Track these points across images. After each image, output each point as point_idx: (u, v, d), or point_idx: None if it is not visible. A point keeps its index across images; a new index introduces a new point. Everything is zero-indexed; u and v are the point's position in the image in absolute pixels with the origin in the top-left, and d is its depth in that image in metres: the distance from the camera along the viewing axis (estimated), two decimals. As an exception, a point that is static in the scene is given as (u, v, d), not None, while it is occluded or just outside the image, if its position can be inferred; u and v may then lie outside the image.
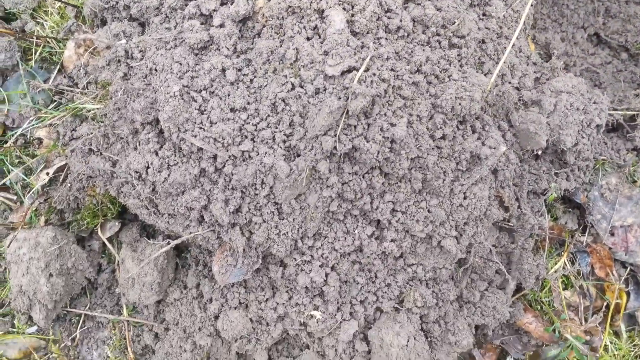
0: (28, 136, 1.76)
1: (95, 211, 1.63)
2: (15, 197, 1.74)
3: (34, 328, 1.70)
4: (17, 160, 1.75)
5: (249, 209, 1.40)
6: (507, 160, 1.62)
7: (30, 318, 1.69)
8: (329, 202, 1.41)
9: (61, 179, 1.70)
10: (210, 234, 1.44)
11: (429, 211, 1.47)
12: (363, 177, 1.40)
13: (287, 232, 1.42)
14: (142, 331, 1.72)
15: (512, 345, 1.80)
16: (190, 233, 1.44)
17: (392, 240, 1.49)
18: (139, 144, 1.42)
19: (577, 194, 1.84)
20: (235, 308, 1.58)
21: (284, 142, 1.35)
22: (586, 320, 1.75)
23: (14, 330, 1.71)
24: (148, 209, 1.46)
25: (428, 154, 1.41)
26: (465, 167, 1.50)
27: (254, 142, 1.36)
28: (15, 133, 1.75)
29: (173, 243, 1.45)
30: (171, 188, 1.37)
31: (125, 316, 1.70)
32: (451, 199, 1.49)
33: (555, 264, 1.82)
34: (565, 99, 1.74)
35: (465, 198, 1.51)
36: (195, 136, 1.35)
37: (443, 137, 1.45)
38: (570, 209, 1.88)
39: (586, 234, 1.87)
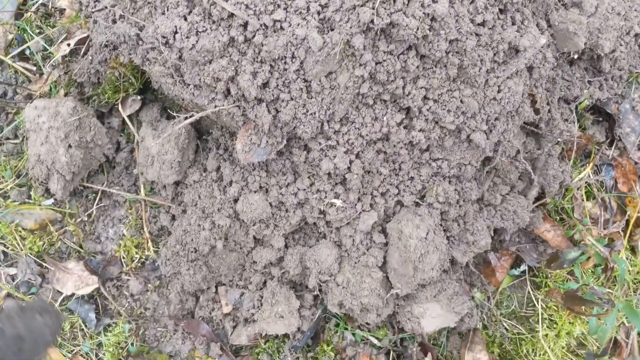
0: (49, 6, 1.69)
1: (117, 85, 1.58)
2: (35, 68, 1.69)
3: (51, 201, 1.69)
4: (37, 31, 1.69)
5: (277, 85, 1.35)
6: (544, 58, 1.56)
7: (47, 190, 1.68)
8: (360, 83, 1.36)
9: (82, 52, 1.65)
10: (236, 109, 1.40)
11: (461, 101, 1.43)
12: (398, 57, 1.34)
13: (315, 113, 1.38)
14: (158, 212, 1.71)
15: (528, 253, 1.79)
16: (216, 107, 1.39)
17: (420, 130, 1.45)
18: (168, 8, 1.36)
19: (608, 105, 1.79)
20: (255, 192, 1.56)
21: (319, 13, 1.29)
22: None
23: (30, 201, 1.70)
24: (173, 78, 1.41)
25: (467, 39, 1.35)
26: (502, 59, 1.44)
27: (287, 11, 1.30)
28: (37, 2, 1.68)
29: (197, 115, 1.41)
30: (199, 56, 1.32)
31: (142, 195, 1.69)
32: (485, 91, 1.44)
33: (579, 173, 1.79)
34: (607, 2, 1.67)
35: (499, 91, 1.46)
36: (227, 0, 1.29)
37: (483, 24, 1.39)
38: (599, 120, 1.83)
39: (613, 147, 1.83)
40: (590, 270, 1.81)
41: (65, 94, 1.65)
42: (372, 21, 1.26)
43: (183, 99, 1.43)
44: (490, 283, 1.80)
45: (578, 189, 1.76)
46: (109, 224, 1.73)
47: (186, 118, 1.41)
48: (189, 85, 1.41)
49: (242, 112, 1.41)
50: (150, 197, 1.69)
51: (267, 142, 1.44)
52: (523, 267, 1.81)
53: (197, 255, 1.59)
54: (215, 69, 1.33)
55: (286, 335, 1.72)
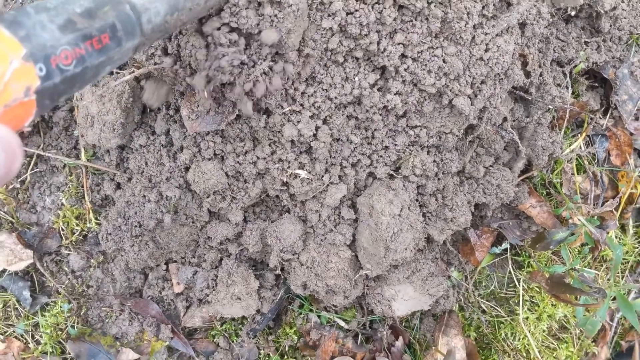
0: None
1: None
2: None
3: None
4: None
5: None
6: (539, 13, 1.38)
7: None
8: (329, 37, 1.17)
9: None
10: (180, 69, 1.20)
11: (444, 61, 1.24)
12: (372, 7, 1.15)
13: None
14: (102, 180, 1.52)
15: (511, 230, 1.64)
16: (155, 64, 1.19)
17: (397, 93, 1.27)
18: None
19: (605, 69, 1.62)
20: (209, 159, 1.37)
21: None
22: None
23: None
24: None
25: (453, -13, 1.16)
26: (492, 13, 1.26)
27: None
28: None
29: (137, 72, 1.21)
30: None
31: (83, 160, 1.49)
32: (471, 49, 1.26)
33: (570, 145, 1.63)
34: (611, -48, 1.49)
35: (487, 50, 1.28)
36: None
37: (471, -29, 1.20)
38: (594, 86, 1.66)
39: (607, 116, 1.67)
40: (576, 250, 1.67)
41: None
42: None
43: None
44: (469, 262, 1.66)
45: (569, 161, 1.60)
46: (46, 192, 1.54)
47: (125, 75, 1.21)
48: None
49: (185, 73, 1.20)
50: (92, 163, 1.49)
51: (215, 110, 1.25)
52: (505, 245, 1.66)
53: (142, 230, 1.41)
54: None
55: (244, 317, 1.56)
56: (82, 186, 1.51)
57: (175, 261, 1.53)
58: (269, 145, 1.34)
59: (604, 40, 1.59)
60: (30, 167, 1.52)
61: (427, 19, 1.19)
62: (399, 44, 1.20)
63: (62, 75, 0.58)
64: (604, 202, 1.65)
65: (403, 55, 1.23)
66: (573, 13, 1.49)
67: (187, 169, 1.40)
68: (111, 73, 1.45)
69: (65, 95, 0.61)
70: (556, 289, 1.32)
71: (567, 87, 1.57)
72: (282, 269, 1.50)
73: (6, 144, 0.45)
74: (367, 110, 1.28)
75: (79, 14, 0.62)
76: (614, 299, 1.27)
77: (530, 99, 1.50)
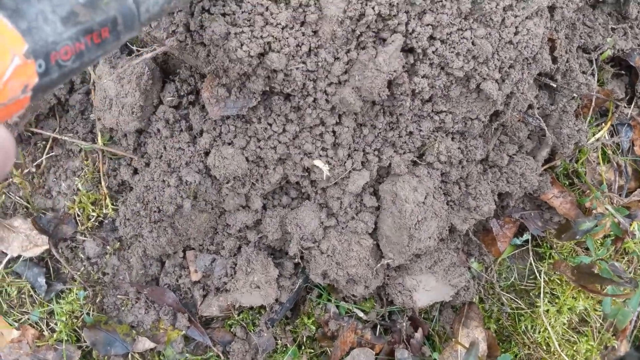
0: None
1: (68, 14, 1.34)
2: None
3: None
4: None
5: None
6: (569, -3, 1.35)
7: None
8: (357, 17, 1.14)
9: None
10: (201, 47, 1.17)
11: (473, 43, 1.21)
12: (402, -14, 1.12)
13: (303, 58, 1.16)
14: (119, 165, 1.49)
15: (532, 221, 1.62)
16: (177, 40, 1.16)
17: (424, 76, 1.24)
18: None
19: (632, 56, 1.59)
20: (229, 144, 1.34)
21: None
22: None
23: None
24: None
25: (485, -34, 1.13)
26: (522, -5, 1.23)
27: None
28: None
29: (158, 51, 1.18)
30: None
31: (100, 144, 1.46)
32: (500, 32, 1.23)
33: (593, 135, 1.60)
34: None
35: (516, 33, 1.24)
36: None
37: (503, -50, 1.17)
38: (620, 73, 1.63)
39: (632, 105, 1.64)
40: (599, 241, 1.64)
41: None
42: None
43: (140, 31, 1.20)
44: (490, 252, 1.63)
45: (594, 150, 1.57)
46: (62, 177, 1.51)
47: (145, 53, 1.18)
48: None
49: (208, 52, 1.17)
50: (109, 147, 1.46)
51: (237, 95, 1.23)
52: (526, 236, 1.63)
53: (161, 215, 1.38)
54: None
55: (262, 307, 1.53)
56: (99, 171, 1.48)
57: (193, 248, 1.51)
58: (292, 130, 1.31)
59: (631, 26, 1.56)
60: (46, 151, 1.49)
61: (457, -1, 1.16)
62: (428, 24, 1.17)
63: (60, 71, 0.55)
64: (628, 192, 1.62)
65: (432, 37, 1.20)
66: (601, -2, 1.46)
67: (207, 153, 1.37)
68: (129, 53, 1.42)
69: (56, 87, 0.57)
70: (584, 279, 1.29)
71: (592, 75, 1.53)
72: (302, 257, 1.47)
73: (2, 145, 0.44)
74: (394, 96, 1.25)
75: (81, 5, 0.58)
76: (644, 289, 1.24)
77: (555, 85, 1.47)
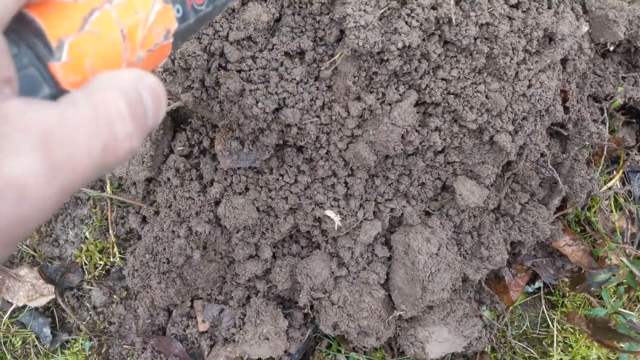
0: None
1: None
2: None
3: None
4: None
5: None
6: (580, 49, 1.35)
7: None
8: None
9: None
10: (215, 102, 1.17)
11: (487, 97, 1.21)
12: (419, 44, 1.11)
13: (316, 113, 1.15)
14: (127, 213, 1.47)
15: (544, 269, 1.59)
16: (193, 96, 1.16)
17: (436, 129, 1.23)
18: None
19: (642, 104, 1.59)
20: (240, 194, 1.33)
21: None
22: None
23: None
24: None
25: (500, 22, 1.13)
26: (535, 49, 1.23)
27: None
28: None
29: (173, 105, 1.18)
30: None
31: (108, 193, 1.45)
32: (514, 85, 1.22)
33: (605, 183, 1.59)
34: (650, -12, 1.46)
35: (529, 86, 1.24)
36: None
37: (517, 6, 1.17)
38: (630, 121, 1.63)
39: (643, 152, 1.63)
40: (611, 290, 1.62)
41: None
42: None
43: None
44: (502, 300, 1.60)
45: (606, 199, 1.56)
46: (69, 225, 1.49)
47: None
48: (160, 69, 1.17)
49: (222, 107, 1.17)
50: (117, 196, 1.45)
51: (250, 148, 1.22)
52: (538, 284, 1.61)
53: (170, 266, 1.36)
54: (190, 50, 1.09)
55: (271, 358, 1.50)
56: (107, 219, 1.47)
57: (201, 298, 1.48)
58: (303, 181, 1.30)
59: (641, 75, 1.56)
60: (54, 199, 1.48)
61: (471, 54, 1.15)
62: (441, 79, 1.17)
63: (196, 15, 0.55)
64: (640, 241, 1.60)
65: (446, 91, 1.19)
66: (612, 48, 1.46)
67: (217, 203, 1.36)
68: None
69: (193, 35, 0.55)
70: (600, 334, 1.27)
71: (604, 123, 1.53)
72: (312, 307, 1.45)
73: (155, 93, 0.43)
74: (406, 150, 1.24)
75: None
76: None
77: (567, 134, 1.47)
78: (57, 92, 0.41)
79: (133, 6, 0.47)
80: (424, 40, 1.10)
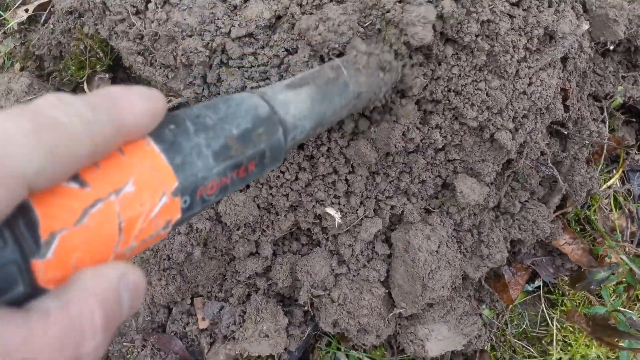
0: (4, -35, 1.44)
1: (82, 60, 1.34)
2: (-16, 37, 1.44)
3: None
4: (-12, -7, 1.44)
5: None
6: (580, 48, 1.35)
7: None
8: (371, 69, 1.14)
9: (43, 19, 1.40)
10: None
11: (487, 94, 1.21)
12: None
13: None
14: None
15: (544, 267, 1.60)
16: (195, 93, 1.16)
17: (436, 127, 1.24)
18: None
19: (642, 104, 1.59)
20: (241, 191, 1.33)
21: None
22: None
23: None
24: (144, 57, 1.18)
25: (501, 20, 1.13)
26: (536, 47, 1.23)
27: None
28: (-12, -41, 1.43)
29: (175, 102, 1.18)
30: (174, 31, 1.09)
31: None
32: (514, 83, 1.23)
33: (604, 181, 1.60)
34: (650, -13, 1.47)
35: (530, 84, 1.25)
36: None
37: (517, 4, 1.17)
38: (630, 120, 1.63)
39: (643, 152, 1.64)
40: (610, 288, 1.62)
41: (21, 69, 1.40)
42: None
43: (156, 82, 1.20)
44: (502, 299, 1.60)
45: (606, 198, 1.56)
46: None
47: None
48: (161, 66, 1.17)
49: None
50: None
51: None
52: (537, 283, 1.61)
53: (171, 263, 1.36)
54: (192, 46, 1.10)
55: (271, 356, 1.50)
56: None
57: (201, 295, 1.48)
58: (304, 177, 1.30)
59: (641, 74, 1.57)
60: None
61: (472, 52, 1.16)
62: (442, 77, 1.17)
63: (202, 205, 0.53)
64: (640, 240, 1.61)
65: (447, 89, 1.20)
66: (612, 47, 1.46)
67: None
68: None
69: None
70: (600, 332, 1.27)
71: (603, 122, 1.53)
72: (312, 305, 1.45)
73: (136, 289, 0.42)
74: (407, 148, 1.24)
75: (235, 138, 0.55)
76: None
77: (567, 133, 1.47)
78: (32, 290, 0.38)
79: (140, 198, 0.44)
80: (425, 37, 1.10)
